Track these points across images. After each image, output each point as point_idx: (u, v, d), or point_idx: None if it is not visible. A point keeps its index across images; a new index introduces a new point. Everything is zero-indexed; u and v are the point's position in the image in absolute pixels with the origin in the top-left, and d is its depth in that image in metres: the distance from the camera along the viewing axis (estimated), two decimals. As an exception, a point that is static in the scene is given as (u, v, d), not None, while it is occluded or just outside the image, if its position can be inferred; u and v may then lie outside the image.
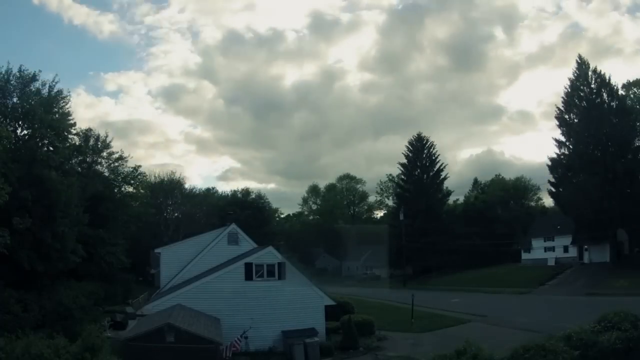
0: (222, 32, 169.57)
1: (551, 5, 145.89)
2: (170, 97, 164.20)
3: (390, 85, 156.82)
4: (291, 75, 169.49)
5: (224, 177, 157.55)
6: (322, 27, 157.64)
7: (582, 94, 53.87)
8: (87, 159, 48.97)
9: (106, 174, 51.92)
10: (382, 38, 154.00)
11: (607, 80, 52.76)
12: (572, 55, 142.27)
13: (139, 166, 55.96)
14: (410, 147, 75.91)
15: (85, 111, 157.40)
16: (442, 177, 74.77)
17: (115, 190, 52.16)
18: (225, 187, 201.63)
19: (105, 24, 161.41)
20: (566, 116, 55.14)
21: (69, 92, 37.20)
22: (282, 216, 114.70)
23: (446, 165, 75.35)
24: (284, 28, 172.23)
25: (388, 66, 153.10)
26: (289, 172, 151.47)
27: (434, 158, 75.02)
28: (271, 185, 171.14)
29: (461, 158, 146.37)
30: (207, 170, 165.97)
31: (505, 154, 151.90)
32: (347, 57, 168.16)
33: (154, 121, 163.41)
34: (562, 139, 55.16)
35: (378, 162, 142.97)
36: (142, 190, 60.97)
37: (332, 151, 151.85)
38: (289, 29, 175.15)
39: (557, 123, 55.55)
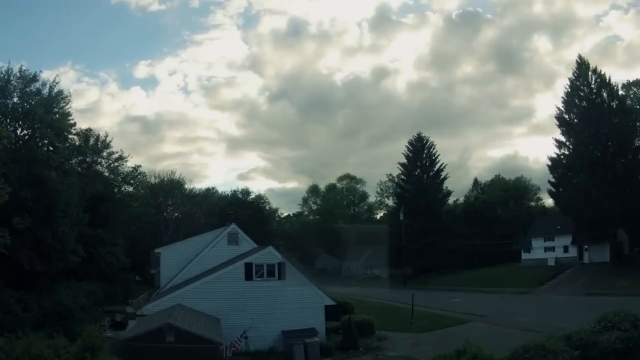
0: (279, 20, 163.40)
1: (593, 18, 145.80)
2: (209, 89, 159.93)
3: (436, 87, 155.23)
4: (341, 70, 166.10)
5: (245, 176, 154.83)
6: (382, 23, 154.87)
7: (582, 94, 53.87)
8: (87, 159, 49.05)
9: (106, 174, 51.99)
10: (437, 40, 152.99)
11: (607, 80, 52.79)
12: (607, 62, 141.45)
13: (139, 166, 56.23)
14: (410, 147, 75.86)
15: (112, 102, 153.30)
16: (442, 177, 74.72)
17: (115, 190, 52.22)
18: (244, 186, 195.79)
19: (151, 5, 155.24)
20: (566, 116, 55.14)
21: (70, 93, 37.14)
22: (282, 216, 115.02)
23: (446, 165, 75.45)
24: (345, 20, 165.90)
25: (437, 67, 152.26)
26: (316, 171, 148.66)
27: (433, 158, 74.97)
28: (292, 185, 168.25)
29: (488, 157, 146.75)
30: (231, 168, 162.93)
31: (529, 157, 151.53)
32: (400, 55, 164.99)
33: (187, 115, 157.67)
34: (562, 139, 55.24)
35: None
36: (142, 191, 61.06)
37: (365, 151, 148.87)
38: (350, 21, 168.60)
39: (557, 123, 55.61)
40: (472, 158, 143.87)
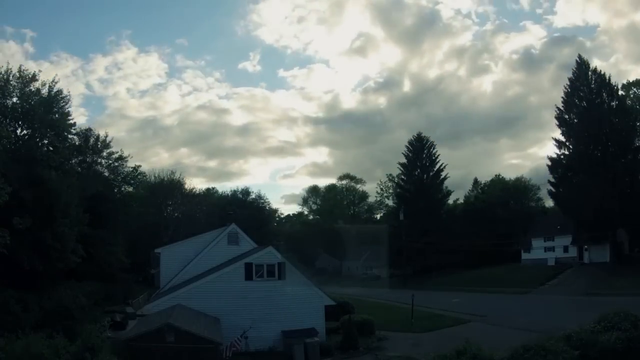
0: (411, 6, 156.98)
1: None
2: (296, 76, 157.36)
3: (515, 92, 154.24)
4: (442, 67, 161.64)
5: (291, 177, 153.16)
6: (493, 25, 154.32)
7: (582, 94, 53.93)
8: (87, 159, 49.03)
9: (106, 174, 51.97)
10: (531, 51, 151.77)
11: (607, 80, 52.83)
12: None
13: (139, 166, 56.23)
14: (410, 147, 75.86)
15: (179, 86, 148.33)
16: (442, 177, 74.72)
17: (115, 190, 52.20)
18: (283, 189, 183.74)
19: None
20: (566, 116, 55.21)
21: (69, 92, 37.21)
22: (282, 216, 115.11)
23: (446, 165, 75.47)
24: (466, 15, 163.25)
25: (523, 73, 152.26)
26: (370, 171, 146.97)
27: (434, 158, 74.95)
28: (332, 182, 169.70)
29: (540, 156, 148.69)
30: (284, 167, 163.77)
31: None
32: (494, 57, 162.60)
33: (263, 103, 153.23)
34: (562, 139, 55.26)
35: (457, 165, 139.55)
36: (142, 191, 61.06)
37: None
38: (472, 16, 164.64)
39: (557, 123, 55.63)
40: (522, 157, 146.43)
